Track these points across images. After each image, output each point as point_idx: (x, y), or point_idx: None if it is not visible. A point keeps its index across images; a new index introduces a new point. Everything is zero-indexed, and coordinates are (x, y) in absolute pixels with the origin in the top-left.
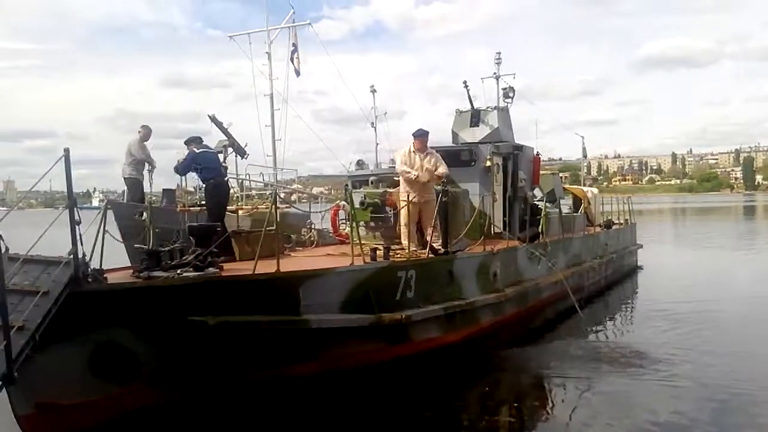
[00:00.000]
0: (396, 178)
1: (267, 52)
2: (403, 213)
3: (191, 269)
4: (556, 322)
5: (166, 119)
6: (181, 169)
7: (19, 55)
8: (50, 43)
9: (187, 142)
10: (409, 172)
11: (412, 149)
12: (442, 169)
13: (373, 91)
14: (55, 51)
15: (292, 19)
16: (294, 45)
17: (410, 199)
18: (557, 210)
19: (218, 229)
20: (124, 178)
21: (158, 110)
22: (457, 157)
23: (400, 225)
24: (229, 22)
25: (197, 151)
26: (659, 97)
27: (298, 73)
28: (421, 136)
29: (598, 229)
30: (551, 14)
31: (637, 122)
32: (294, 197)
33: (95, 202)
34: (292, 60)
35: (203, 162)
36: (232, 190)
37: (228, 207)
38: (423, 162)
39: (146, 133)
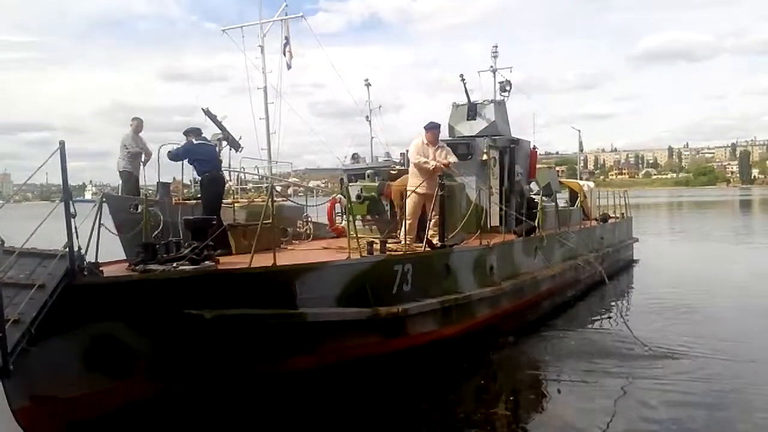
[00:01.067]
0: (393, 172)
1: (260, 46)
2: (411, 204)
3: (187, 262)
4: (552, 316)
5: (162, 112)
6: (173, 155)
7: (15, 47)
8: (47, 36)
9: (186, 133)
10: (427, 162)
11: (425, 141)
12: (452, 157)
13: (368, 85)
14: (52, 44)
15: (284, 12)
16: (286, 38)
17: (417, 189)
18: (553, 204)
19: (214, 222)
20: (119, 172)
21: (155, 103)
22: (454, 150)
23: (401, 216)
24: (227, 14)
25: (195, 143)
26: (657, 91)
27: (289, 66)
28: (432, 128)
29: (594, 223)
30: (550, 7)
31: (635, 116)
32: (290, 190)
33: (88, 195)
34: (284, 53)
35: (199, 154)
36: (228, 183)
37: (224, 200)
38: (435, 154)
39: (138, 124)
